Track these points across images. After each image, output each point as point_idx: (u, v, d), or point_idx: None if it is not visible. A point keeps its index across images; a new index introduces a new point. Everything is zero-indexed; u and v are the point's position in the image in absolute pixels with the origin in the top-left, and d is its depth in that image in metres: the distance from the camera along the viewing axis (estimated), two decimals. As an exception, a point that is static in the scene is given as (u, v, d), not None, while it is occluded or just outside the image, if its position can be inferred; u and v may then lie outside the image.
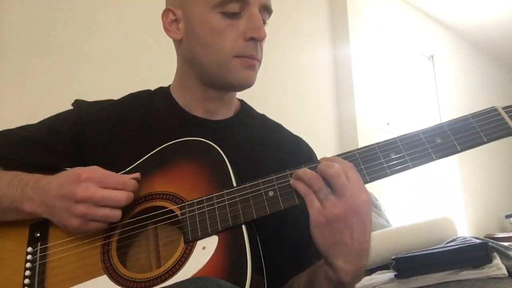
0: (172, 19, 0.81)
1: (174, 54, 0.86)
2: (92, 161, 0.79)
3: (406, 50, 3.36)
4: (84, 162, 0.80)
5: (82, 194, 0.64)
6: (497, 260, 1.21)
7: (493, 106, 0.66)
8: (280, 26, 2.39)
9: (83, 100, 0.88)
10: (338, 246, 0.59)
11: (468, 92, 3.92)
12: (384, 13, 3.13)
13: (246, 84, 0.80)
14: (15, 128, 0.85)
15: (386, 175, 0.63)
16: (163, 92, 0.90)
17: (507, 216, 3.82)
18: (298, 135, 0.93)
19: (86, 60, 1.55)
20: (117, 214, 0.66)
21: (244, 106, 0.92)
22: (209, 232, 0.64)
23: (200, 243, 0.64)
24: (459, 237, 1.47)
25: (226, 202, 0.66)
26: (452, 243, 1.42)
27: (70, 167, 0.78)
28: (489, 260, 1.20)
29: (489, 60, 4.51)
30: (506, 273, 1.18)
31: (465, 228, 3.41)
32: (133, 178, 0.69)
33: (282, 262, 0.78)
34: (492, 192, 3.92)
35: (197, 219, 0.66)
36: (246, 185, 0.66)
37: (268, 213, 0.64)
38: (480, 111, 0.66)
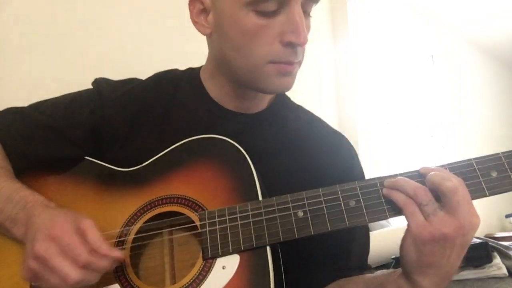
0: (200, 8, 0.69)
1: (176, 55, 0.82)
2: (109, 151, 0.75)
3: (406, 50, 3.36)
4: (101, 152, 0.75)
5: (39, 251, 0.56)
6: (497, 260, 1.21)
7: None
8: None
9: (104, 81, 0.80)
10: (431, 266, 0.54)
11: (468, 92, 3.92)
12: (384, 13, 3.13)
13: (280, 91, 0.72)
14: (28, 107, 0.77)
15: (484, 195, 0.57)
16: (192, 78, 0.80)
17: (507, 216, 3.82)
18: (338, 131, 0.85)
19: (86, 60, 1.55)
20: None
21: (280, 96, 0.83)
22: (230, 250, 0.59)
23: (220, 262, 0.59)
24: (459, 237, 1.47)
25: (251, 219, 0.60)
26: (452, 243, 1.42)
27: (89, 157, 0.74)
28: (489, 260, 1.21)
29: (489, 60, 4.51)
30: (506, 272, 1.19)
31: (465, 228, 3.40)
32: (116, 257, 0.59)
33: (311, 270, 0.73)
34: (492, 192, 3.91)
35: (218, 234, 0.60)
36: (273, 201, 0.60)
37: (296, 237, 0.58)
38: None
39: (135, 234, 0.65)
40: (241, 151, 0.66)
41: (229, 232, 0.60)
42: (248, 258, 0.59)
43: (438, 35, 3.75)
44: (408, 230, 0.55)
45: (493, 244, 1.27)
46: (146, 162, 0.69)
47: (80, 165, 0.73)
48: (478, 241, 1.30)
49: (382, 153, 2.82)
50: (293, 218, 0.59)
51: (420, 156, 3.21)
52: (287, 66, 0.66)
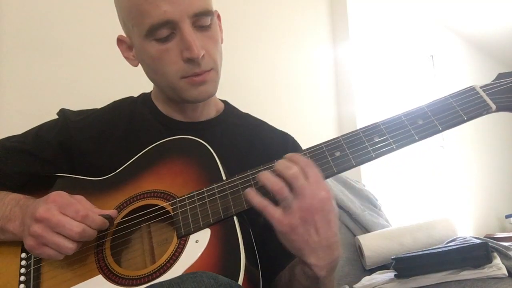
0: (125, 46, 0.84)
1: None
2: (81, 165, 0.82)
3: (406, 50, 3.36)
4: (73, 167, 0.82)
5: (40, 213, 0.62)
6: (497, 260, 1.21)
7: (471, 86, 0.68)
8: (280, 26, 2.39)
9: (68, 109, 0.90)
10: (307, 246, 0.60)
11: (468, 92, 3.91)
12: (384, 13, 3.13)
13: (202, 99, 0.80)
14: (0, 140, 0.86)
15: (371, 158, 0.65)
16: (145, 99, 0.92)
17: (507, 216, 3.82)
18: (284, 131, 0.94)
19: (86, 61, 1.55)
20: (69, 246, 0.63)
21: (227, 107, 0.94)
22: (201, 225, 0.65)
23: (193, 237, 0.65)
24: (459, 237, 1.47)
25: (217, 195, 0.66)
26: (452, 243, 1.42)
27: (61, 173, 0.81)
28: (489, 260, 1.20)
29: (489, 60, 4.51)
30: (506, 273, 1.18)
31: (465, 228, 3.41)
32: (106, 215, 0.66)
33: (276, 252, 0.78)
34: (492, 192, 3.92)
35: (189, 214, 0.66)
36: (235, 178, 0.67)
37: None
38: (459, 91, 0.69)
39: (115, 228, 0.70)
40: (202, 143, 0.73)
41: (198, 210, 0.66)
42: (218, 230, 0.64)
43: (438, 35, 3.75)
44: (274, 226, 0.61)
45: (493, 245, 1.27)
46: (117, 170, 0.77)
47: (56, 182, 0.80)
48: (478, 241, 1.30)
49: (382, 153, 2.81)
50: (254, 188, 0.65)
51: (419, 156, 3.21)
52: (197, 77, 0.76)
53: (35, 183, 0.80)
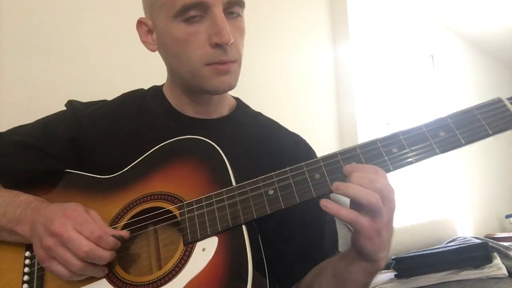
0: (146, 30, 0.80)
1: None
2: (89, 162, 0.80)
3: (406, 50, 3.35)
4: (82, 163, 0.80)
5: (55, 228, 0.62)
6: (497, 260, 1.21)
7: (498, 97, 0.63)
8: (280, 26, 2.39)
9: (76, 101, 0.87)
10: (383, 243, 0.62)
11: (468, 92, 3.92)
12: (384, 13, 3.13)
13: (222, 90, 0.78)
14: (6, 132, 0.83)
15: (388, 170, 0.62)
16: (156, 92, 0.89)
17: (507, 216, 3.82)
18: (296, 133, 0.92)
19: (86, 60, 1.55)
20: (75, 263, 0.61)
21: (239, 104, 0.91)
22: (209, 233, 0.63)
23: (199, 245, 0.63)
24: (459, 237, 1.47)
25: (226, 202, 0.64)
26: (452, 243, 1.42)
27: (69, 169, 0.79)
28: (489, 260, 1.21)
29: (489, 60, 4.51)
30: (506, 273, 1.19)
31: (465, 228, 3.40)
32: (117, 236, 0.64)
33: (289, 261, 0.78)
34: (492, 192, 3.92)
35: (196, 220, 0.64)
36: (245, 184, 0.65)
37: (269, 212, 0.63)
38: (484, 102, 0.63)
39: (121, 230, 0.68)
40: (211, 144, 0.71)
41: (206, 217, 0.64)
42: (226, 238, 0.62)
43: (438, 35, 3.75)
44: (357, 232, 0.61)
45: (493, 245, 1.27)
46: (125, 169, 0.75)
47: (63, 179, 0.78)
48: (478, 241, 1.30)
49: (382, 153, 2.81)
50: (264, 197, 0.63)
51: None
52: (221, 66, 0.74)
53: (42, 179, 0.78)
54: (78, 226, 0.62)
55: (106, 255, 0.62)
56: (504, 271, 1.17)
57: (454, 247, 1.30)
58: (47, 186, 0.78)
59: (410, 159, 0.62)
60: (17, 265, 0.70)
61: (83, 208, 0.66)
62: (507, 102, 0.62)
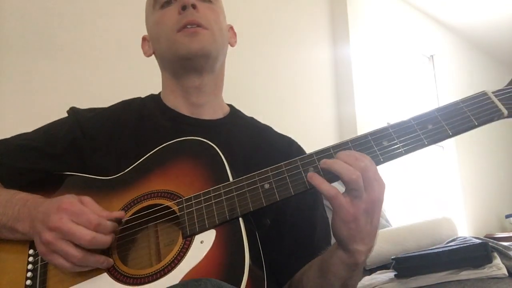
0: (145, 42, 0.93)
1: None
2: (90, 163, 0.82)
3: (406, 50, 3.36)
4: (83, 165, 0.82)
5: (53, 222, 0.63)
6: (497, 260, 1.21)
7: (483, 91, 0.68)
8: (280, 26, 2.39)
9: (77, 108, 0.91)
10: (359, 234, 0.62)
11: (468, 92, 3.89)
12: (384, 13, 3.13)
13: (194, 52, 0.82)
14: (11, 137, 0.86)
15: (379, 162, 0.65)
16: (153, 98, 0.94)
17: (507, 216, 3.82)
18: (288, 135, 0.95)
19: (87, 61, 1.55)
20: (74, 254, 0.63)
21: (233, 109, 0.96)
22: (207, 226, 0.65)
23: (198, 237, 0.65)
24: (459, 237, 1.47)
25: (223, 196, 0.67)
26: (452, 243, 1.42)
27: (70, 171, 0.81)
28: (489, 260, 1.20)
29: (489, 60, 4.51)
30: (506, 273, 1.18)
31: (465, 228, 3.40)
32: (115, 218, 0.67)
33: (286, 254, 0.80)
34: (492, 192, 3.91)
35: (195, 214, 0.67)
36: (242, 179, 0.68)
37: (264, 205, 0.65)
38: (470, 96, 0.68)
39: (121, 226, 0.71)
40: (210, 144, 0.73)
41: (204, 211, 0.66)
42: (224, 231, 0.65)
43: (438, 35, 3.75)
44: (335, 213, 0.62)
45: (493, 245, 1.27)
46: (126, 170, 0.77)
47: (65, 180, 0.80)
48: (478, 241, 1.30)
49: (382, 153, 2.81)
50: (260, 190, 0.66)
51: (419, 155, 3.21)
52: (189, 29, 0.82)
53: (44, 181, 0.81)
54: (75, 217, 0.64)
55: (108, 239, 0.65)
56: (504, 271, 1.17)
57: (454, 247, 1.30)
58: (49, 188, 0.79)
59: (399, 150, 0.65)
60: (20, 262, 0.72)
61: (77, 198, 0.68)
62: (491, 95, 0.67)
